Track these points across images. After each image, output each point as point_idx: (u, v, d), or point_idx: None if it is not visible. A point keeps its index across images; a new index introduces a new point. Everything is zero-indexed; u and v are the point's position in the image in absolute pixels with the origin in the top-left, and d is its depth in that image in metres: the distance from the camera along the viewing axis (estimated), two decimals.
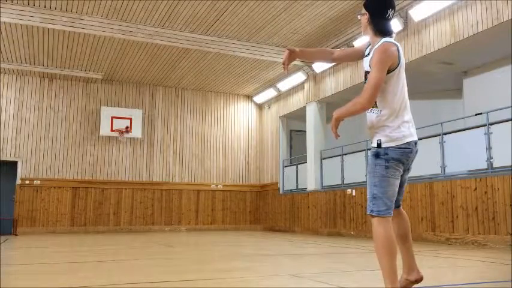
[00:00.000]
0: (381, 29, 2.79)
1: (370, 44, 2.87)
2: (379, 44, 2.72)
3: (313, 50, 3.26)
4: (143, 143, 14.49)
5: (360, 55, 3.01)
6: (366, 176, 2.79)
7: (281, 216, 14.12)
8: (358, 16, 2.91)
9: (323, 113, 12.73)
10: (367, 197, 2.71)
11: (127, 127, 13.82)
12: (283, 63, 3.03)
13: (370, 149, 2.76)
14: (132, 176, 14.19)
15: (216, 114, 15.68)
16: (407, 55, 9.24)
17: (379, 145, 2.66)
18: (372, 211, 2.65)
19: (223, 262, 5.37)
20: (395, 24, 9.55)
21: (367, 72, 2.75)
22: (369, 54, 2.82)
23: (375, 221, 2.64)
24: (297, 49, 3.03)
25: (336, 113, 2.71)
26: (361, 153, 10.77)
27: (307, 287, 3.41)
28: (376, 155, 2.66)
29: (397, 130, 2.66)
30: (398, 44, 2.79)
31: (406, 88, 2.79)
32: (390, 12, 2.80)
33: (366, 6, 2.85)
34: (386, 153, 2.64)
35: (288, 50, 3.02)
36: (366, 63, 2.81)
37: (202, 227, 14.67)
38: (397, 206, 2.90)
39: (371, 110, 2.76)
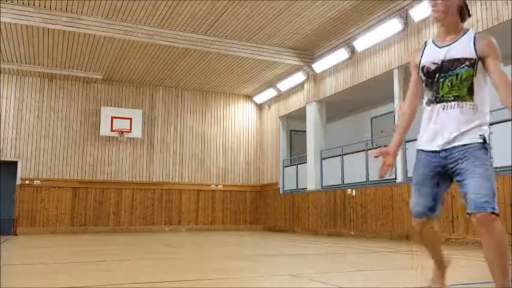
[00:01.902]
0: (466, 13, 2.60)
1: (429, 44, 2.65)
2: (481, 36, 2.54)
3: (401, 133, 2.81)
4: (143, 143, 14.49)
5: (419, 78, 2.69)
6: (460, 168, 2.48)
7: (281, 216, 14.12)
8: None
9: (323, 113, 12.73)
10: (484, 192, 2.35)
11: (122, 132, 13.81)
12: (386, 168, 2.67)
13: (466, 144, 2.48)
14: (132, 176, 14.19)
15: (216, 114, 15.68)
16: (407, 55, 9.24)
17: (484, 140, 2.47)
18: (494, 209, 2.33)
19: (223, 262, 5.37)
20: (395, 24, 9.55)
21: (466, 60, 2.49)
22: (451, 44, 2.55)
23: (497, 220, 2.33)
24: (391, 149, 2.69)
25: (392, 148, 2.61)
26: (361, 153, 10.76)
27: (307, 287, 3.40)
28: (486, 149, 2.46)
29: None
30: None
31: None
32: None
33: None
34: (489, 150, 2.50)
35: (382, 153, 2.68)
36: (456, 49, 2.52)
37: (202, 227, 14.67)
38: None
39: (459, 105, 2.53)
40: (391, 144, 2.74)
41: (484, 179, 2.37)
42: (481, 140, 2.45)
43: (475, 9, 7.93)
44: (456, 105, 2.51)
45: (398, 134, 2.80)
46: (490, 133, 2.51)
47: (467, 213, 2.40)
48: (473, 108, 2.49)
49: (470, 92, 2.50)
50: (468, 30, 2.60)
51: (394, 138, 2.79)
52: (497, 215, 2.33)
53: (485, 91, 2.53)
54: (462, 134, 2.48)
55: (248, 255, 6.22)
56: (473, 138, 2.46)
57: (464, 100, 2.50)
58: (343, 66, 11.49)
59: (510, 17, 7.26)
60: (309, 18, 10.31)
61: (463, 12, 2.60)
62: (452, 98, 2.51)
